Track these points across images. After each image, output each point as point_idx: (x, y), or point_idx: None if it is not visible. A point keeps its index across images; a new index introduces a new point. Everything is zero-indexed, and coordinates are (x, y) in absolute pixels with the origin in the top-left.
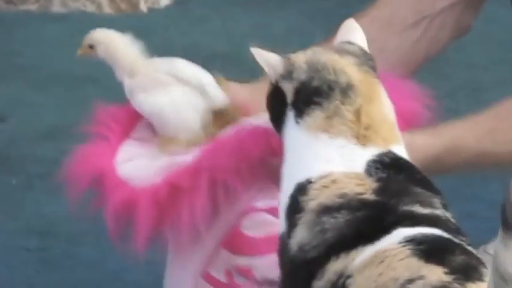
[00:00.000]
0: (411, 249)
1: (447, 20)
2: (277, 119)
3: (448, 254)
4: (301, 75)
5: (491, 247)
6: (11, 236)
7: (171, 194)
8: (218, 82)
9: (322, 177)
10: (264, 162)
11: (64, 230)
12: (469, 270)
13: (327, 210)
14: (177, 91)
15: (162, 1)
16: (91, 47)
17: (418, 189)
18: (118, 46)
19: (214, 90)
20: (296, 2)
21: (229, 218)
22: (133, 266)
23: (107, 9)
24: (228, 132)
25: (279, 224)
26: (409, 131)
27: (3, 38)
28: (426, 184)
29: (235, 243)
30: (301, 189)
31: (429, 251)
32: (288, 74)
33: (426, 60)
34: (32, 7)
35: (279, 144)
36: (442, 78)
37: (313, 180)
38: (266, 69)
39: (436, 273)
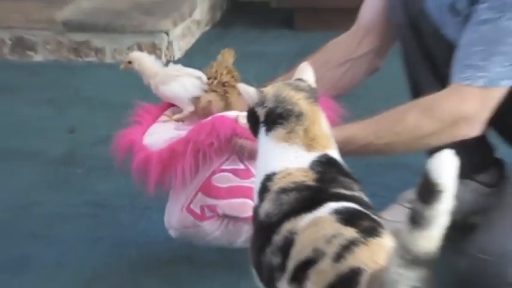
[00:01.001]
0: (336, 217)
1: (363, 62)
2: (254, 130)
3: (359, 220)
4: (269, 104)
5: (384, 214)
6: (76, 208)
7: (170, 156)
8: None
9: (281, 171)
10: (230, 141)
11: (111, 203)
12: (372, 230)
13: (284, 191)
14: (185, 79)
15: (176, 55)
16: (130, 62)
17: (344, 179)
18: (146, 61)
19: (205, 79)
20: (262, 57)
21: (205, 174)
22: (158, 227)
23: None
24: (208, 119)
25: (253, 200)
26: None
27: (73, 80)
28: (349, 175)
29: (207, 189)
30: (269, 178)
31: (347, 218)
32: (261, 103)
33: (349, 88)
34: (93, 59)
35: (241, 130)
36: (352, 105)
37: (276, 172)
38: (246, 97)
39: (350, 232)
